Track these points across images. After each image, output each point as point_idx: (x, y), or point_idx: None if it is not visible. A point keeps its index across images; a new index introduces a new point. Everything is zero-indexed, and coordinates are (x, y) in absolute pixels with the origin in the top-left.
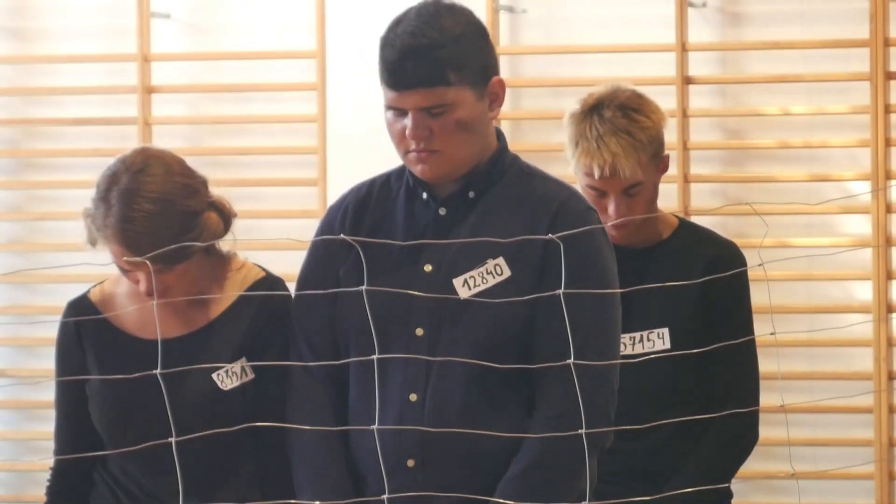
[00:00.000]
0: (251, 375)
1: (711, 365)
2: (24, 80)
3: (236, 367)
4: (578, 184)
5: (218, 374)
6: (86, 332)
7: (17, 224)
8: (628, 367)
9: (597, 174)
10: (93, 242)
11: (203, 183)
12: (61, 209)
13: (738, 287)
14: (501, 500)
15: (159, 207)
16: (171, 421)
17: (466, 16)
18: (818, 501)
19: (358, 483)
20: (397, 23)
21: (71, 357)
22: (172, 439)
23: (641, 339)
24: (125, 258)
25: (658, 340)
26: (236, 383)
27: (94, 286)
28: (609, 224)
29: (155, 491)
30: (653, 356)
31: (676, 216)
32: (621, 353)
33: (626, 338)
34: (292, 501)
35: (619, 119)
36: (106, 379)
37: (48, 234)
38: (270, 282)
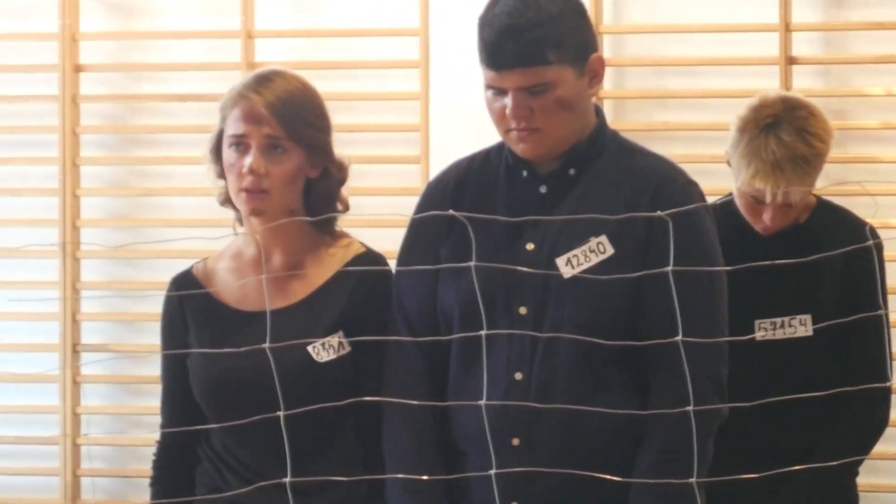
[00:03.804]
0: (347, 349)
1: (850, 350)
2: (128, 56)
3: (333, 340)
4: (737, 183)
5: (314, 347)
6: (188, 306)
7: (122, 199)
8: (767, 352)
9: (768, 198)
10: (220, 175)
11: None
12: (166, 185)
13: (875, 270)
14: (606, 476)
15: (303, 92)
16: (279, 394)
17: None
18: None
19: (458, 460)
20: (495, 2)
21: (174, 331)
22: (280, 413)
23: (783, 325)
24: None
25: (801, 327)
26: (332, 356)
27: (198, 262)
28: (760, 225)
29: (253, 464)
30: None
31: (815, 195)
32: (762, 338)
33: (766, 322)
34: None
35: (799, 145)
36: (208, 352)
37: (153, 209)
38: (371, 257)
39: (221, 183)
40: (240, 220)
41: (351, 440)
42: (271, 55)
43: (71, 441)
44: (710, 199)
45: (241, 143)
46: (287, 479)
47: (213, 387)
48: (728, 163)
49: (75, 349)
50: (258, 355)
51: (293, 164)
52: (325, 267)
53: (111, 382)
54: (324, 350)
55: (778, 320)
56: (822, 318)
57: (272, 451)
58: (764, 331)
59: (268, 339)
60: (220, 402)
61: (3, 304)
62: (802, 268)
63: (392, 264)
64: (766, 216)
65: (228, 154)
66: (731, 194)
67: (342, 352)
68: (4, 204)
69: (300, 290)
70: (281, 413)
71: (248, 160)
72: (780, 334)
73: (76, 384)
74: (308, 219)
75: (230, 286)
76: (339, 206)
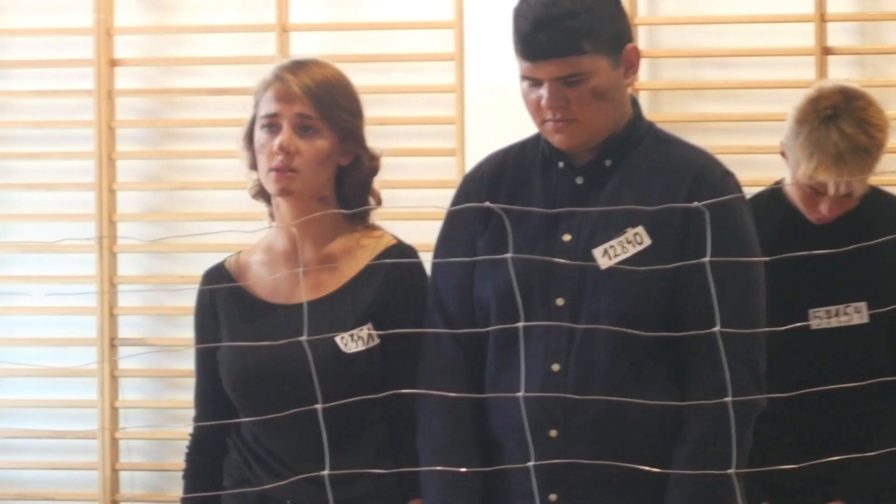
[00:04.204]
0: (377, 341)
1: None
2: (163, 51)
3: (362, 331)
4: (793, 174)
5: (342, 338)
6: (219, 299)
7: (158, 193)
8: (822, 341)
9: (831, 190)
10: (252, 166)
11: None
12: (201, 178)
13: None
14: (644, 468)
15: (337, 78)
16: (316, 386)
17: None
18: None
19: (495, 452)
20: None
21: (206, 325)
22: (318, 406)
23: (837, 313)
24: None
25: (855, 315)
26: (361, 348)
27: (231, 255)
28: (816, 215)
29: (282, 456)
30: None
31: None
32: (817, 326)
33: (820, 311)
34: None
35: (861, 136)
36: (238, 345)
37: (188, 203)
38: (401, 249)
39: (254, 175)
40: (272, 215)
41: (379, 431)
42: (306, 49)
43: (109, 435)
44: (746, 190)
45: (273, 125)
46: (325, 472)
47: (244, 379)
48: (783, 154)
49: (113, 343)
50: (287, 347)
51: (324, 146)
52: (357, 259)
53: (149, 376)
54: (352, 341)
55: (833, 308)
56: (877, 305)
57: (301, 442)
58: (819, 319)
59: (304, 331)
60: (249, 393)
61: (41, 298)
62: (856, 255)
63: (425, 257)
64: (824, 207)
65: (260, 136)
66: (778, 183)
67: (371, 343)
68: (41, 199)
69: (331, 283)
70: (319, 406)
71: (279, 139)
72: (834, 322)
73: (114, 378)
74: (341, 211)
75: (261, 279)
76: (371, 199)
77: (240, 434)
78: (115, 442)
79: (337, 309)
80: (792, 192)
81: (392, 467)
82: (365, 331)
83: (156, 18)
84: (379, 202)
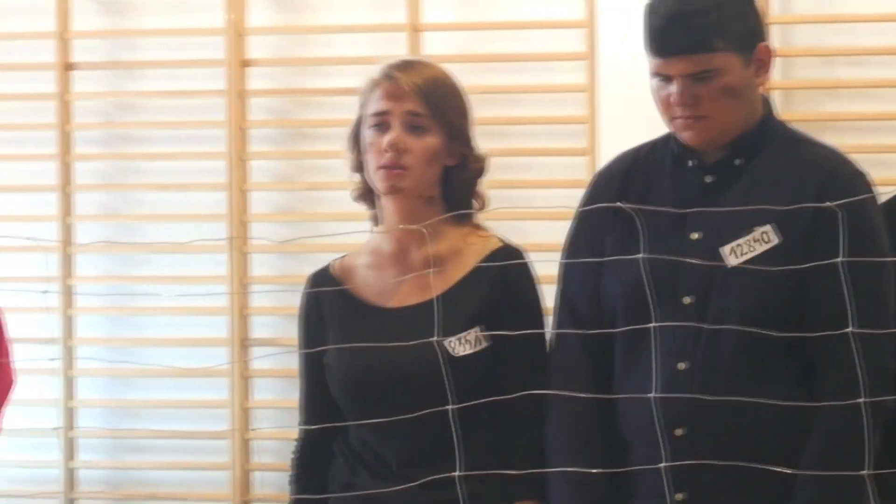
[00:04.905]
0: (485, 344)
1: None
2: (294, 51)
3: (470, 334)
4: None
5: (450, 341)
6: (326, 302)
7: (289, 194)
8: None
9: None
10: (356, 168)
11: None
12: (333, 179)
13: None
14: (776, 468)
15: (447, 78)
16: (447, 388)
17: None
18: None
19: (621, 451)
20: None
21: (312, 328)
22: (450, 406)
23: None
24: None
25: None
26: (470, 351)
27: (336, 258)
28: None
29: (390, 460)
30: None
31: None
32: None
33: None
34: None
35: None
36: (345, 347)
37: (320, 203)
38: (508, 251)
39: (357, 177)
40: (374, 218)
41: (484, 434)
42: (437, 49)
43: (240, 435)
44: (880, 189)
45: (382, 123)
46: (456, 473)
47: (352, 382)
48: None
49: (244, 344)
50: (397, 349)
51: (434, 144)
52: (464, 260)
53: (280, 377)
54: (460, 345)
55: None
56: None
57: (411, 446)
58: None
59: (437, 331)
60: (358, 396)
61: (172, 299)
62: None
63: (554, 257)
64: None
65: (368, 134)
66: None
67: (479, 346)
68: (172, 199)
69: (438, 285)
70: (450, 407)
71: (389, 137)
72: None
73: (245, 379)
74: (453, 213)
75: (368, 281)
76: (476, 202)
77: (346, 439)
78: (246, 442)
79: (445, 311)
80: None
81: (498, 469)
82: (473, 334)
83: (287, 19)
84: (483, 205)
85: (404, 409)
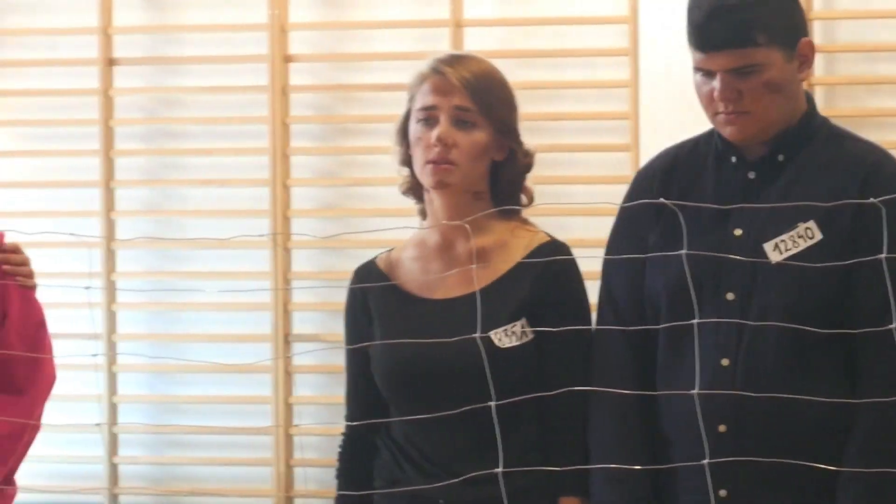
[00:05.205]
0: (530, 336)
1: None
2: (337, 47)
3: (516, 327)
4: None
5: (496, 333)
6: (372, 296)
7: (332, 189)
8: None
9: None
10: (404, 162)
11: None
12: (375, 174)
13: None
14: (822, 466)
15: (494, 72)
16: (489, 383)
17: None
18: None
19: (663, 447)
20: None
21: (358, 322)
22: (492, 403)
23: None
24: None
25: None
26: (514, 343)
27: (382, 252)
28: None
29: (434, 455)
30: None
31: None
32: None
33: None
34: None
35: None
36: (391, 341)
37: (362, 199)
38: (554, 246)
39: (405, 171)
40: (422, 212)
41: (529, 428)
42: (480, 44)
43: (283, 431)
44: None
45: (430, 118)
46: (499, 470)
47: (397, 376)
48: None
49: (287, 340)
50: (441, 343)
51: (482, 138)
52: (510, 254)
53: (323, 373)
54: (506, 336)
55: None
56: None
57: (455, 440)
58: None
59: (478, 328)
60: (403, 389)
61: (216, 295)
62: None
63: (598, 253)
64: None
65: (416, 129)
66: None
67: (524, 339)
68: (216, 195)
69: (483, 278)
70: (492, 403)
71: (436, 131)
72: None
73: (288, 375)
74: (509, 207)
75: (414, 274)
76: (524, 197)
77: (390, 434)
78: (289, 438)
79: (490, 304)
80: None
81: (542, 463)
82: (518, 326)
83: (330, 14)
84: (531, 200)
85: (448, 401)
